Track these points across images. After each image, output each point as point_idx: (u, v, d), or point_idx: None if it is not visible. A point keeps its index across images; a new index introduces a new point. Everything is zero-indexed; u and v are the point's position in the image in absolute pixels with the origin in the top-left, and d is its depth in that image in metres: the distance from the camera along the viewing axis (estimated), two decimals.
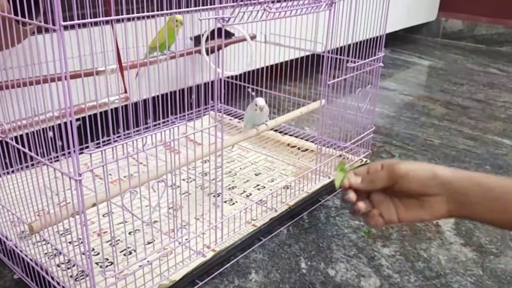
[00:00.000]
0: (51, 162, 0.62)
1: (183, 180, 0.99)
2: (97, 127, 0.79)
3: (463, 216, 0.58)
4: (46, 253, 0.74)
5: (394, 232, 0.90)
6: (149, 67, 1.01)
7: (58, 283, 0.67)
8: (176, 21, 0.95)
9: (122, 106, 1.01)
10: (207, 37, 1.16)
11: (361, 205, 0.60)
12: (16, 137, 0.70)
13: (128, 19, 0.59)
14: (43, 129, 0.70)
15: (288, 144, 1.19)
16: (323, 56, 0.94)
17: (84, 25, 0.54)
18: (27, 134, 0.69)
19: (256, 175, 1.05)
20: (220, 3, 0.64)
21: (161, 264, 0.71)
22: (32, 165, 0.69)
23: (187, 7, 0.92)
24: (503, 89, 1.86)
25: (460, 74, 2.06)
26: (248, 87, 1.32)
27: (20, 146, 0.65)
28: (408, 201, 0.59)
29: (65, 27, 0.49)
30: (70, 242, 0.77)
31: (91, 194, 0.84)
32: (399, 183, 0.57)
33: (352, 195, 0.60)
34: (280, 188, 0.95)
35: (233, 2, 0.66)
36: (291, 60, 1.37)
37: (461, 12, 2.71)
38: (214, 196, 0.92)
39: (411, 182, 0.57)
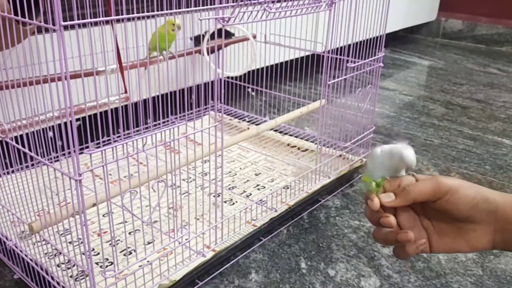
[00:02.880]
0: (51, 162, 0.62)
1: (183, 180, 0.99)
2: (97, 127, 0.79)
3: (508, 249, 0.49)
4: (46, 253, 0.74)
5: None
6: (149, 67, 1.01)
7: (58, 283, 0.67)
8: (172, 24, 0.95)
9: (122, 106, 1.01)
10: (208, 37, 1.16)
11: (409, 235, 0.48)
12: (16, 137, 0.70)
13: (128, 19, 0.59)
14: (43, 129, 0.70)
15: (288, 144, 1.19)
16: (323, 56, 0.94)
17: (84, 25, 0.54)
18: (27, 134, 0.69)
19: (256, 175, 1.05)
20: (220, 3, 0.64)
21: (161, 264, 0.71)
22: (32, 165, 0.69)
23: (187, 7, 0.92)
24: (503, 89, 1.86)
25: (460, 74, 2.06)
26: (248, 87, 1.32)
27: (20, 146, 0.65)
28: (444, 228, 0.49)
29: (65, 27, 0.49)
30: (70, 242, 0.77)
31: (91, 194, 0.84)
32: (445, 199, 0.47)
33: (393, 220, 0.48)
34: (280, 188, 0.95)
35: (233, 2, 0.66)
36: (291, 60, 1.37)
37: (461, 12, 2.71)
38: (214, 196, 0.92)
39: (459, 201, 0.47)
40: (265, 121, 1.25)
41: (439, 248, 0.50)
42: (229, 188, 0.99)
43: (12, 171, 0.78)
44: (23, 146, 0.65)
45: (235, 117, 1.30)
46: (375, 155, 0.52)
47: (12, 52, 0.84)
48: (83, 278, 0.70)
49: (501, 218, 0.47)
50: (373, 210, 0.49)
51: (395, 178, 0.51)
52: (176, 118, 1.18)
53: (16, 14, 0.62)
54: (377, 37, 0.97)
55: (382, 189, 0.50)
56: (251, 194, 0.97)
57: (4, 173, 0.77)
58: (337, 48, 0.92)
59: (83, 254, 0.69)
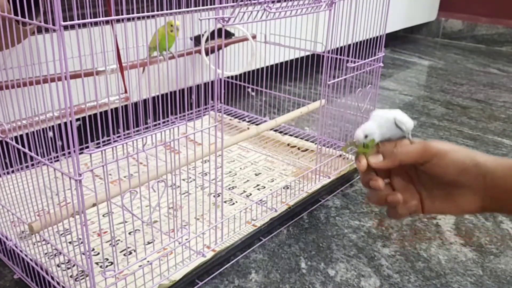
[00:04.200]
0: (51, 162, 0.62)
1: (183, 180, 0.99)
2: (97, 127, 0.79)
3: (498, 212, 0.50)
4: (46, 253, 0.74)
5: (394, 232, 0.91)
6: (149, 67, 1.01)
7: (58, 283, 0.67)
8: (171, 26, 0.95)
9: (122, 106, 1.01)
10: (207, 37, 1.16)
11: (398, 197, 0.49)
12: (16, 137, 0.70)
13: (128, 19, 0.59)
14: (43, 129, 0.70)
15: (288, 144, 1.19)
16: (323, 56, 0.94)
17: (84, 25, 0.54)
18: (27, 134, 0.69)
19: (256, 175, 1.05)
20: (220, 3, 0.64)
21: (161, 264, 0.71)
22: (32, 165, 0.69)
23: (187, 7, 0.92)
24: (503, 89, 1.86)
25: (460, 74, 2.06)
26: (248, 87, 1.32)
27: (20, 146, 0.65)
28: (435, 191, 0.51)
29: (65, 27, 0.49)
30: (70, 242, 0.77)
31: (91, 194, 0.84)
32: (433, 163, 0.48)
33: (381, 183, 0.50)
34: (280, 188, 0.95)
35: (233, 2, 0.65)
36: (291, 60, 1.37)
37: (461, 12, 2.71)
38: (214, 196, 0.92)
39: (448, 165, 0.47)
40: (265, 121, 1.25)
41: (430, 211, 0.51)
42: (229, 188, 0.99)
43: (12, 171, 0.78)
44: (23, 146, 0.65)
45: (235, 117, 1.30)
46: (377, 116, 0.53)
47: (12, 52, 0.84)
48: (83, 278, 0.70)
49: (490, 183, 0.47)
50: (365, 173, 0.51)
51: (390, 141, 0.52)
52: (176, 118, 1.18)
53: (16, 14, 0.62)
54: (377, 37, 0.97)
55: (375, 151, 0.52)
56: (251, 194, 0.97)
57: (4, 173, 0.77)
58: (337, 48, 0.92)
59: (83, 254, 0.69)
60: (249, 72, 1.28)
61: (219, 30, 1.12)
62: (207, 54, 1.18)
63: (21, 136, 0.70)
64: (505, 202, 0.48)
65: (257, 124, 1.22)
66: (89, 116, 0.86)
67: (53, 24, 0.49)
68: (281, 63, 1.31)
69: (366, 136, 0.52)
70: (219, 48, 1.19)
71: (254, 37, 1.32)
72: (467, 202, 0.49)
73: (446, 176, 0.48)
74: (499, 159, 0.48)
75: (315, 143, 1.12)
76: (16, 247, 0.72)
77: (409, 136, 0.53)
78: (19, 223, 0.79)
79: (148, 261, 0.69)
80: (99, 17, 0.66)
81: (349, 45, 0.94)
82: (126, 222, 0.82)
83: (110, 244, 0.79)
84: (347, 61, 0.96)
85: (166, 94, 1.10)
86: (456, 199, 0.49)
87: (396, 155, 0.49)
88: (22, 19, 0.58)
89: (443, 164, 0.48)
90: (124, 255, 0.77)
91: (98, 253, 0.77)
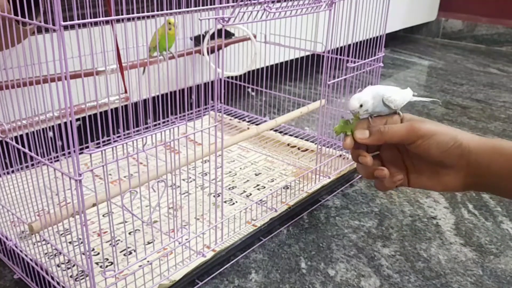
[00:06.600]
0: (51, 162, 0.62)
1: (183, 180, 0.99)
2: (97, 127, 0.79)
3: (481, 190, 0.52)
4: (46, 253, 0.74)
5: (394, 232, 0.91)
6: (149, 67, 1.01)
7: (58, 283, 0.67)
8: (169, 23, 0.95)
9: (122, 106, 1.01)
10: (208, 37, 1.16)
11: (384, 172, 0.52)
12: (16, 137, 0.70)
13: (128, 19, 0.59)
14: (43, 129, 0.70)
15: (288, 144, 1.19)
16: (323, 56, 0.94)
17: (84, 25, 0.54)
18: (27, 134, 0.69)
19: (256, 175, 1.05)
20: (220, 3, 0.64)
21: (161, 264, 0.71)
22: (32, 165, 0.69)
23: (187, 7, 0.92)
24: (503, 89, 1.86)
25: (460, 74, 2.06)
26: (248, 87, 1.32)
27: (20, 146, 0.65)
28: (421, 167, 0.53)
29: (65, 27, 0.49)
30: (70, 242, 0.77)
31: (91, 194, 0.84)
32: (418, 144, 0.50)
33: (369, 159, 0.52)
34: (280, 188, 0.95)
35: (233, 2, 0.65)
36: (291, 60, 1.37)
37: (461, 12, 2.71)
38: (214, 196, 0.92)
39: (432, 147, 0.49)
40: (265, 121, 1.25)
41: (415, 185, 0.54)
42: (229, 188, 0.99)
43: (12, 171, 0.78)
44: (23, 146, 0.65)
45: (235, 117, 1.30)
46: (371, 88, 0.55)
47: (12, 52, 0.84)
48: (83, 278, 0.70)
49: (473, 162, 0.49)
50: (355, 148, 0.53)
51: (381, 117, 0.54)
52: (176, 118, 1.18)
53: (16, 14, 0.62)
54: (377, 37, 0.97)
55: (366, 125, 0.53)
56: (251, 194, 0.97)
57: (4, 173, 0.77)
58: (337, 48, 0.92)
59: (83, 254, 0.69)
60: (249, 72, 1.28)
61: (219, 30, 1.12)
62: (207, 54, 1.18)
63: (21, 136, 0.70)
64: (487, 182, 0.50)
65: (257, 124, 1.23)
66: (89, 116, 0.86)
67: (53, 24, 0.49)
68: (281, 63, 1.31)
69: (361, 105, 0.53)
70: (219, 48, 1.19)
71: (254, 37, 1.32)
72: (451, 180, 0.51)
73: (430, 156, 0.50)
74: (482, 139, 0.50)
75: (315, 143, 1.12)
76: (16, 247, 0.72)
77: (400, 112, 0.55)
78: (19, 223, 0.79)
79: (148, 261, 0.69)
80: (99, 17, 0.66)
81: (349, 45, 0.94)
82: (126, 222, 0.82)
83: (110, 244, 0.79)
84: (347, 61, 0.96)
85: (166, 94, 1.10)
86: (441, 177, 0.52)
87: (382, 134, 0.51)
88: (22, 19, 0.58)
89: (426, 145, 0.50)
90: (124, 255, 0.77)
91: (98, 253, 0.77)
